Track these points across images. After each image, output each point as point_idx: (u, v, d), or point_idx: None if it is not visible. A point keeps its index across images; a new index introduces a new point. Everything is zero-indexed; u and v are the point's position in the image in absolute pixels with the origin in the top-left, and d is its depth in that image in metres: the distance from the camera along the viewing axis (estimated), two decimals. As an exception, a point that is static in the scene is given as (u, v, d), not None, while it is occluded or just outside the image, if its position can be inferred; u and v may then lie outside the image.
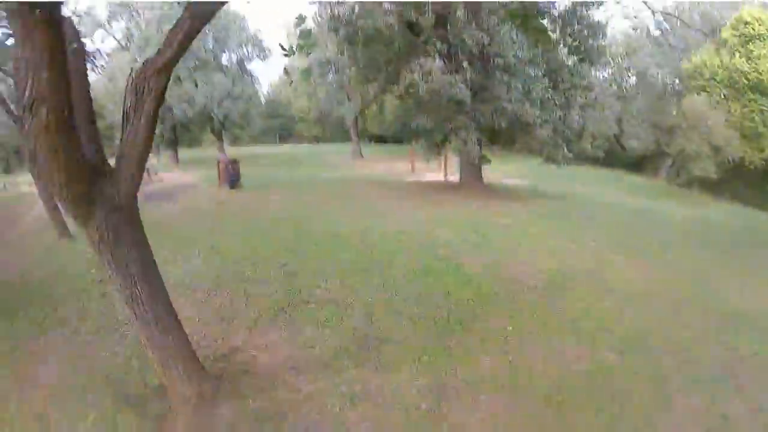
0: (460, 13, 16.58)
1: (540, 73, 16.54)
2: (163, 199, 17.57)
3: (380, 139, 54.51)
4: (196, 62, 29.88)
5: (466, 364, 6.26)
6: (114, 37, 35.62)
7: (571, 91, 17.14)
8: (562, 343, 6.90)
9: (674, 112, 32.62)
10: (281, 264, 9.60)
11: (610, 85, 33.28)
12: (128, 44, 33.33)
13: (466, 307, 7.95)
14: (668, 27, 38.89)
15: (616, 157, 35.76)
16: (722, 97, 31.94)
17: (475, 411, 5.40)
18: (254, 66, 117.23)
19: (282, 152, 43.30)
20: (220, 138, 34.20)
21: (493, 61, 16.30)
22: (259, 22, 75.64)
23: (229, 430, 5.09)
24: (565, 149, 17.77)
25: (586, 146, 26.85)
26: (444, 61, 17.02)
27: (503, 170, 26.60)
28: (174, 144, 36.45)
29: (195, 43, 26.17)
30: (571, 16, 16.30)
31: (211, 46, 30.89)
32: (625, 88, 34.85)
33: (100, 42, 36.10)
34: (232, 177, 20.70)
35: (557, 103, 16.77)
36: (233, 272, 9.30)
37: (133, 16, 33.45)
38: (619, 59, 34.53)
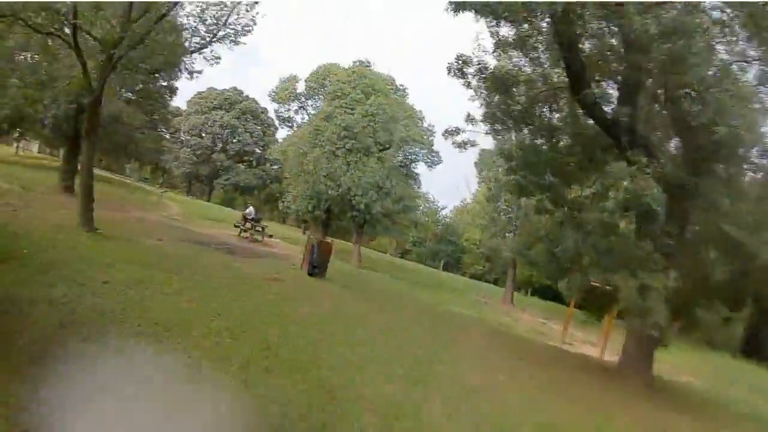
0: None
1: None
2: (233, 251, 17.38)
3: (551, 296, 46.01)
4: (354, 143, 27.79)
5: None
6: (307, 113, 36.79)
7: None
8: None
9: None
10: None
11: None
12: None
13: None
14: None
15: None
16: None
17: None
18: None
19: (433, 276, 38.63)
20: (359, 230, 30.99)
21: (708, 134, 8.98)
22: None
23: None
24: None
25: None
26: (624, 144, 10.27)
27: (671, 361, 16.91)
28: (325, 227, 34.46)
29: (358, 125, 23.89)
30: None
31: (375, 132, 28.72)
32: None
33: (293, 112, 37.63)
34: (312, 261, 16.34)
35: None
36: None
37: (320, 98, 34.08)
38: None
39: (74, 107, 21.09)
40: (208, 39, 15.97)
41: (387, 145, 29.32)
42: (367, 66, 32.13)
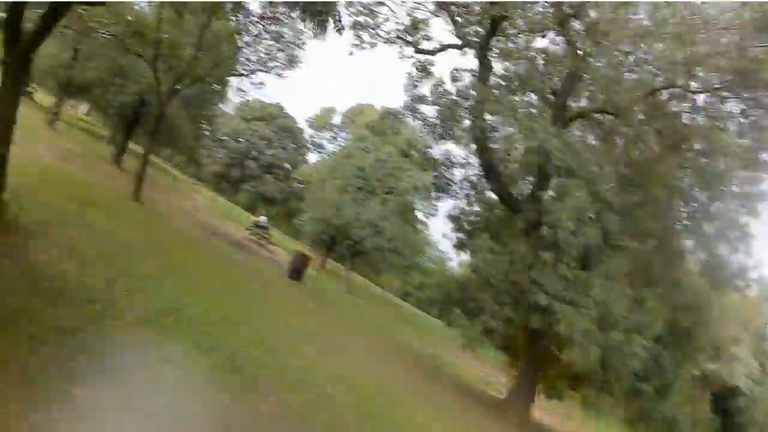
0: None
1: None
2: (238, 246, 21.24)
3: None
4: (363, 183, 31.63)
5: None
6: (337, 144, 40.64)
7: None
8: None
9: None
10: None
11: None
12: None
13: None
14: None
15: None
16: None
17: None
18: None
19: (414, 314, 40.61)
20: (351, 259, 34.17)
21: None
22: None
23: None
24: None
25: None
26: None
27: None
28: (328, 250, 37.26)
29: (369, 167, 27.62)
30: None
31: (383, 177, 32.57)
32: None
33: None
34: (295, 267, 19.96)
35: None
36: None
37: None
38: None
39: (138, 99, 24.86)
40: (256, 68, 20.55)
41: (390, 190, 33.00)
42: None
